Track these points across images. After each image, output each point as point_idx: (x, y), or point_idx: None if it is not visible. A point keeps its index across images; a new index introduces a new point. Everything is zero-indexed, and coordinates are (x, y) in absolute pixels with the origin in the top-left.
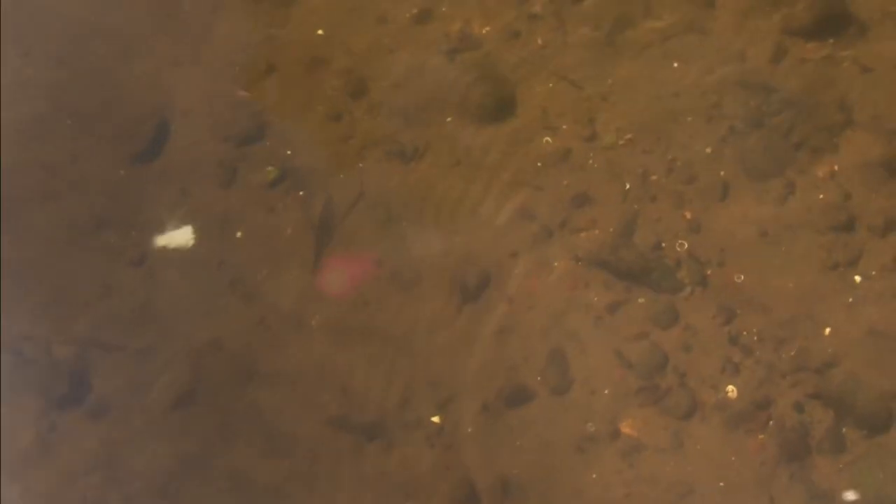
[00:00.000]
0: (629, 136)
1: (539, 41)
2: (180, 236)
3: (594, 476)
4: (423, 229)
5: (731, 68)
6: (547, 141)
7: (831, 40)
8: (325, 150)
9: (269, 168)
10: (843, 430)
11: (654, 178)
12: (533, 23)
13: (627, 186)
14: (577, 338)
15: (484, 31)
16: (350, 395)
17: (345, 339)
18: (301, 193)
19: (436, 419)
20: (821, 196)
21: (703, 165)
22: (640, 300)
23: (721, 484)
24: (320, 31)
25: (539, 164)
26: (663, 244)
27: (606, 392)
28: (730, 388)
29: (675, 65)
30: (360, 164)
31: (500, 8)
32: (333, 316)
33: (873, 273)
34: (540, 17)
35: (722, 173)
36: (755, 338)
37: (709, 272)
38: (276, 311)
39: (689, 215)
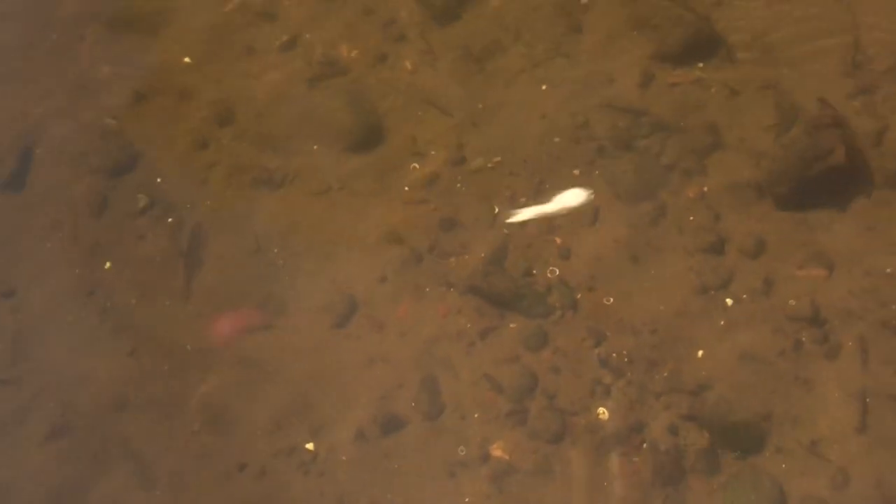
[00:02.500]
0: (497, 159)
1: (408, 65)
2: None
3: (466, 500)
4: (291, 256)
5: (599, 92)
6: (415, 167)
7: (700, 64)
8: (194, 178)
9: (140, 196)
10: (718, 451)
11: (522, 200)
12: (401, 46)
13: (496, 210)
14: (449, 364)
15: (351, 56)
16: (222, 423)
17: (217, 367)
18: (170, 221)
19: (310, 446)
20: (691, 218)
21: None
22: (512, 325)
23: None
24: (187, 60)
25: (407, 188)
26: (534, 270)
27: (477, 416)
28: (601, 410)
29: (544, 87)
30: (228, 192)
31: (366, 31)
32: (205, 343)
33: (744, 296)
34: (408, 40)
35: (592, 197)
36: (626, 360)
37: (579, 296)
38: (147, 340)
39: (559, 240)
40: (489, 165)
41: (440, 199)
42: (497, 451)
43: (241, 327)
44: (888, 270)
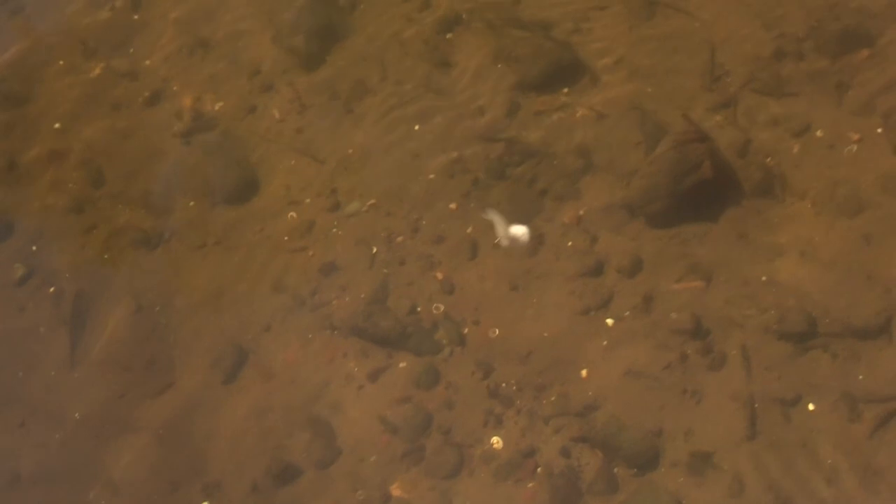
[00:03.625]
0: (372, 201)
1: (276, 114)
2: None
3: None
4: (175, 314)
5: (469, 125)
6: (292, 216)
7: (565, 90)
8: (71, 243)
9: (17, 265)
10: (614, 470)
11: (400, 240)
12: (268, 96)
13: (374, 251)
14: (341, 408)
15: (217, 108)
16: (117, 488)
17: (107, 432)
18: (51, 290)
19: None
20: (569, 243)
21: (449, 223)
22: (402, 364)
23: None
24: (57, 125)
25: (286, 238)
26: (419, 308)
27: (374, 459)
28: (494, 439)
29: (416, 127)
30: (107, 255)
31: (232, 83)
32: (94, 410)
33: (626, 314)
34: (275, 89)
35: (469, 230)
36: (514, 388)
37: (465, 331)
38: (36, 411)
39: (440, 276)
40: (364, 209)
41: (318, 245)
42: (397, 492)
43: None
44: (763, 278)
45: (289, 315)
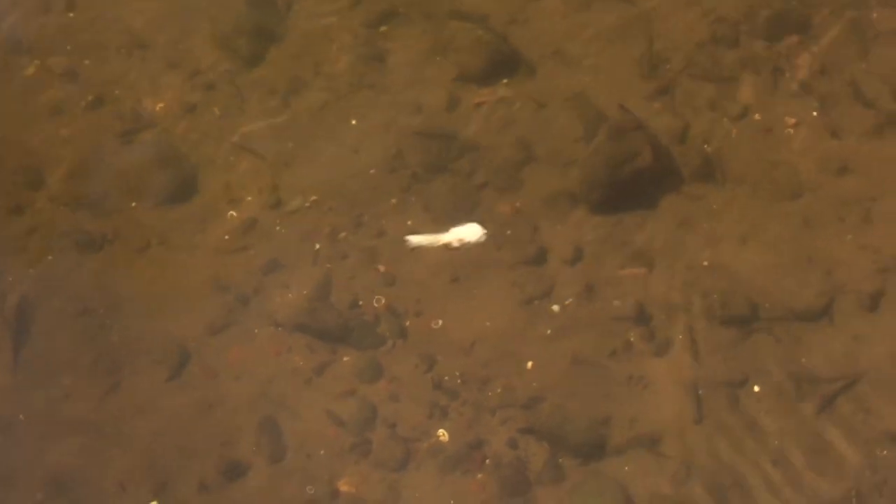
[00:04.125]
0: (314, 197)
1: (216, 112)
2: None
3: None
4: (119, 316)
5: (408, 119)
6: (232, 214)
7: (504, 81)
8: (12, 246)
9: None
10: (560, 460)
11: (342, 235)
12: (208, 94)
13: (317, 247)
14: (287, 403)
15: (158, 108)
16: (65, 489)
17: (53, 434)
18: None
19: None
20: (509, 233)
21: (390, 217)
22: (346, 359)
23: None
24: None
25: (227, 237)
26: (361, 302)
27: (322, 453)
28: (440, 432)
29: (354, 122)
30: (50, 257)
31: (172, 82)
32: (39, 412)
33: (568, 302)
34: (214, 87)
35: (410, 223)
36: (459, 380)
37: (408, 323)
38: None
39: (382, 269)
40: (306, 205)
41: (260, 243)
42: (345, 486)
43: None
44: (705, 263)
45: (232, 313)
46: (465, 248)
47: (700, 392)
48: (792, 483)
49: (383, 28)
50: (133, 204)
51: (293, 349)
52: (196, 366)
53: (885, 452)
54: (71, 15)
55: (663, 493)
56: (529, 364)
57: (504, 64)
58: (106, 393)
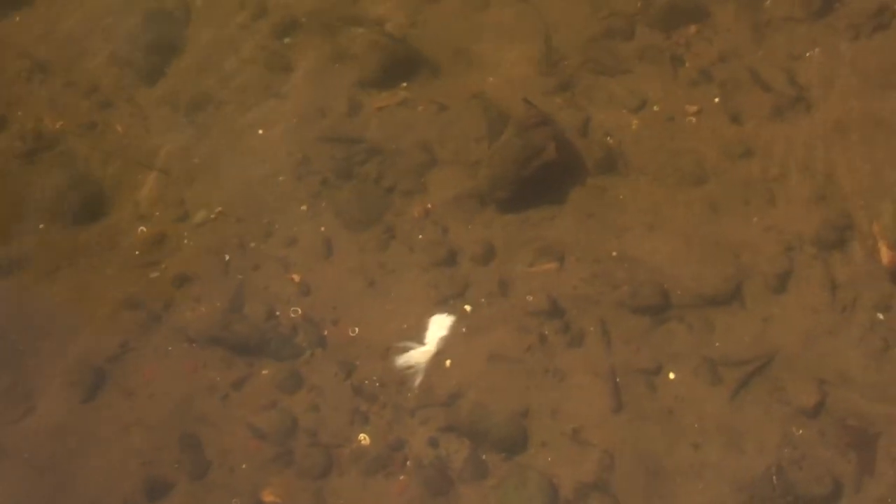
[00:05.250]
0: (219, 209)
1: (119, 129)
2: None
3: None
4: (32, 339)
5: (313, 126)
6: (142, 230)
7: (404, 84)
8: None
9: None
10: (483, 456)
11: (253, 245)
12: (109, 112)
13: (227, 258)
14: (207, 419)
15: (58, 127)
16: None
17: None
18: None
19: None
20: (420, 236)
21: (302, 225)
22: (264, 371)
23: None
24: None
25: (136, 252)
26: (277, 312)
27: (244, 466)
28: (362, 436)
29: (260, 131)
30: None
31: (70, 101)
32: None
33: (482, 300)
34: (115, 105)
35: (322, 229)
36: (377, 384)
37: (325, 332)
38: None
39: (296, 278)
40: (213, 217)
41: (170, 257)
42: (269, 497)
43: None
44: (614, 253)
45: (145, 331)
46: (376, 253)
47: (618, 381)
48: (713, 465)
49: (287, 39)
50: (41, 226)
51: (209, 364)
52: (111, 386)
53: (801, 431)
54: None
55: (587, 481)
56: (448, 363)
57: (403, 67)
58: (22, 417)
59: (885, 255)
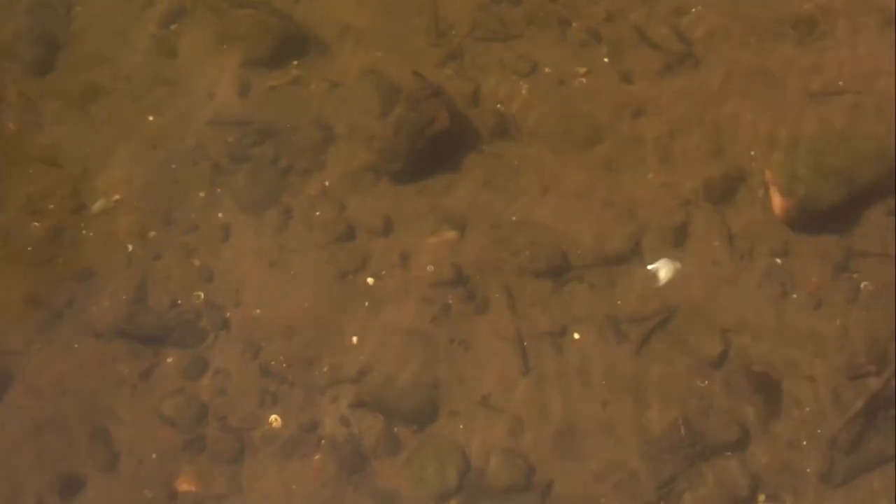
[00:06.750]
0: (117, 197)
1: (11, 126)
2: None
3: None
4: None
5: (203, 110)
6: (36, 225)
7: (295, 63)
8: None
9: None
10: (395, 429)
11: (153, 234)
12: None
13: (130, 249)
14: (116, 412)
15: None
16: None
17: None
18: None
19: None
20: (318, 213)
21: (200, 211)
22: (169, 360)
23: None
24: None
25: (30, 248)
26: (179, 300)
27: (155, 456)
28: (273, 418)
29: (151, 118)
30: None
31: None
32: None
33: (383, 273)
34: (4, 101)
35: (220, 215)
36: (285, 364)
37: (228, 315)
38: None
39: (198, 264)
40: (111, 206)
41: (68, 251)
42: (183, 485)
43: None
44: (514, 218)
45: (49, 329)
46: (274, 234)
47: (524, 345)
48: (623, 420)
49: (174, 26)
50: None
51: (116, 358)
52: (19, 386)
53: (706, 381)
54: None
55: (500, 446)
56: (354, 339)
57: (292, 45)
58: None
59: (778, 203)
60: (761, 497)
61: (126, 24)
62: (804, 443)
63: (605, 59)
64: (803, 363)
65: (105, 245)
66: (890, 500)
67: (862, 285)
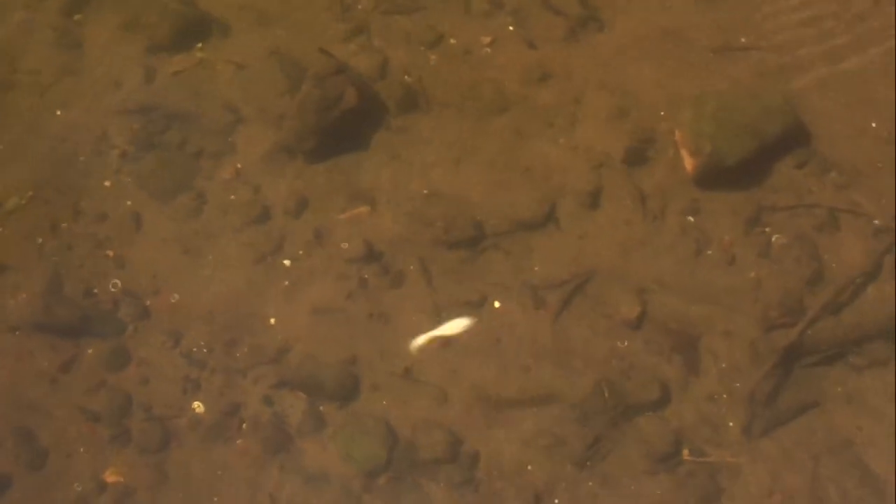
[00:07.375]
0: (30, 193)
1: None
2: None
3: None
4: None
5: (108, 99)
6: None
7: (199, 46)
8: None
9: None
10: (319, 407)
11: (64, 226)
12: None
13: (40, 241)
14: (39, 407)
15: None
16: None
17: None
18: None
19: None
20: (232, 197)
21: (108, 201)
22: (90, 351)
23: (215, 499)
24: None
25: None
26: (95, 290)
27: (82, 450)
28: (196, 404)
29: (58, 112)
30: None
31: None
32: None
33: (300, 253)
34: None
35: (129, 203)
36: (205, 349)
37: (147, 303)
38: None
39: (111, 253)
40: (23, 202)
41: None
42: (112, 477)
43: None
44: (424, 191)
45: None
46: (188, 220)
47: (443, 314)
48: (547, 385)
49: (77, 16)
50: None
51: (35, 351)
52: None
53: (626, 342)
54: None
55: (424, 417)
56: (272, 320)
57: (194, 29)
58: None
59: (688, 161)
60: (685, 452)
61: (26, 16)
62: (724, 397)
63: (510, 27)
64: (720, 319)
65: (20, 240)
66: (809, 450)
67: (773, 238)
